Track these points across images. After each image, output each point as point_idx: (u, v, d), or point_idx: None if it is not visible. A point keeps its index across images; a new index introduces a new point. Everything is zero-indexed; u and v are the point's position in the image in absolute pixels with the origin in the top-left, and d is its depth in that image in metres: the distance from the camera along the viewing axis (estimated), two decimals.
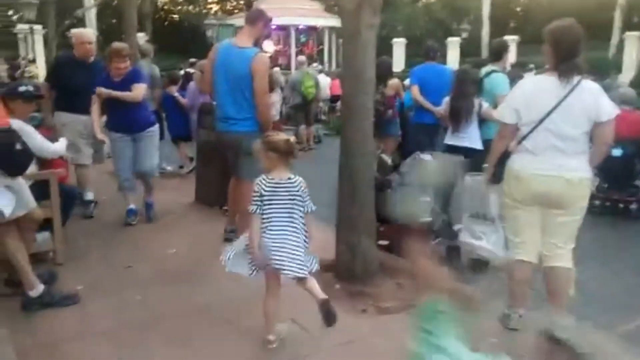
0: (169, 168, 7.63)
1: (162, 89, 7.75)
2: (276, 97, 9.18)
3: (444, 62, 23.59)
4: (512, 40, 25.34)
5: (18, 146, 2.99)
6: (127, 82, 4.83)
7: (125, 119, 4.88)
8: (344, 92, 3.88)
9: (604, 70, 20.91)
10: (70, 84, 5.10)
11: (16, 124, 3.35)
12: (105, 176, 5.93)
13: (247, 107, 4.18)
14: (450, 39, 27.16)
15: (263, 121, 4.21)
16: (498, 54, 5.56)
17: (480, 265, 4.43)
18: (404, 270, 4.18)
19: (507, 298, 3.37)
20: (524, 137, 3.01)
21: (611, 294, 4.13)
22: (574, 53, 2.92)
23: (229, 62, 4.20)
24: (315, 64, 17.68)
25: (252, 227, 2.80)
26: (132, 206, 5.21)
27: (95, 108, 4.85)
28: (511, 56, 24.88)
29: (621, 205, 6.14)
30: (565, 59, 2.90)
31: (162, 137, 6.29)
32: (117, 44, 4.99)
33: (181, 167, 7.88)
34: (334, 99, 13.91)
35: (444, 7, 33.77)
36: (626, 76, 21.47)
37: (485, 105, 4.87)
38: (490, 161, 3.28)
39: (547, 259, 3.13)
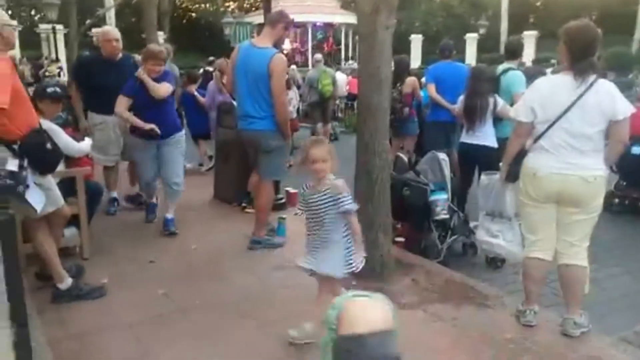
0: (188, 165, 7.74)
1: (182, 87, 7.88)
2: (292, 95, 9.27)
3: (462, 58, 23.55)
4: (531, 35, 25.16)
5: (48, 145, 3.11)
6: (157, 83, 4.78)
7: (152, 122, 4.65)
8: (360, 91, 3.94)
9: (627, 66, 20.69)
10: (100, 84, 5.01)
11: (45, 124, 3.47)
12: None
13: (265, 105, 4.27)
14: (468, 35, 27.04)
15: (280, 120, 4.30)
16: (514, 52, 5.57)
17: (496, 262, 4.49)
18: (419, 266, 4.26)
19: (522, 295, 3.42)
20: (540, 136, 3.05)
21: (627, 293, 4.15)
22: (589, 52, 2.95)
23: (248, 62, 4.30)
24: (351, 61, 17.61)
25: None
26: (153, 200, 5.26)
27: (123, 109, 4.69)
28: (530, 51, 24.81)
29: None
30: (581, 58, 2.93)
31: None
32: (155, 47, 4.98)
33: (200, 164, 8.02)
34: (351, 96, 13.94)
35: (462, 2, 33.58)
36: None
37: (501, 103, 4.89)
38: (506, 160, 3.32)
39: (562, 256, 3.16)
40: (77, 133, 4.84)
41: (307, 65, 21.22)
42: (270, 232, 4.77)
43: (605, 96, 2.91)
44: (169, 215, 4.93)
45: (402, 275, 4.04)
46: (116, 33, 5.36)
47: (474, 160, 4.97)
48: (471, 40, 26.79)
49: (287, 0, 25.33)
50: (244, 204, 5.64)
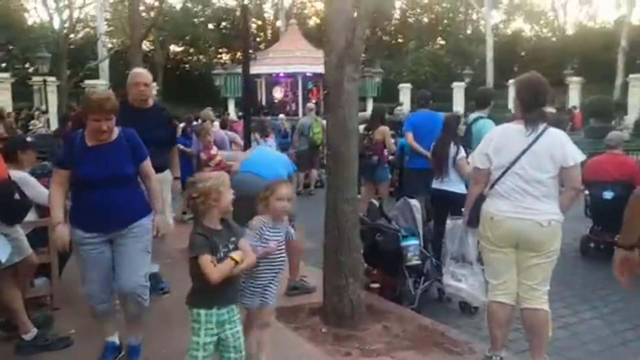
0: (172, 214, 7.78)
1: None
2: (271, 142, 9.58)
3: (450, 105, 24.10)
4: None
5: (16, 196, 3.17)
6: (115, 154, 3.13)
7: (102, 208, 3.06)
8: (329, 141, 4.06)
9: (608, 113, 21.19)
10: None
11: (17, 174, 3.55)
12: None
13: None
14: (455, 84, 27.74)
15: None
16: (484, 101, 5.75)
17: (470, 308, 4.49)
18: (392, 313, 4.26)
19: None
20: (495, 182, 3.16)
21: (598, 337, 4.15)
22: (538, 102, 3.11)
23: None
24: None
25: None
26: (110, 338, 3.37)
27: (55, 193, 3.14)
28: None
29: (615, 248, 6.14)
30: (530, 109, 3.09)
31: None
32: (97, 93, 3.19)
33: (184, 212, 8.03)
34: None
35: (448, 52, 34.59)
36: (631, 118, 21.68)
37: (461, 155, 4.99)
38: (466, 205, 3.42)
39: (523, 300, 3.20)
40: None
41: (297, 114, 21.59)
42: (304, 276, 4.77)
43: (556, 143, 3.05)
44: (134, 341, 3.35)
45: (374, 322, 4.04)
46: (146, 76, 4.42)
47: (445, 206, 5.06)
48: (458, 89, 27.47)
49: (277, 51, 26.09)
50: None
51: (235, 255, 2.60)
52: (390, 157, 8.17)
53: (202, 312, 2.61)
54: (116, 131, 3.17)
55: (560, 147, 3.03)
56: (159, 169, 4.07)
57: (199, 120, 10.02)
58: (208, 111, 10.09)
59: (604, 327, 4.33)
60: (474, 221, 3.33)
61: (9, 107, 16.01)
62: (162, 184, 3.81)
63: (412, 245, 4.49)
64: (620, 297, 4.87)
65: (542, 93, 3.12)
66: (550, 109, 5.34)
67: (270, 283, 3.07)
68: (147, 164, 3.28)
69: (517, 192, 3.07)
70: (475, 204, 3.29)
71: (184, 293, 4.52)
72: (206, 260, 2.52)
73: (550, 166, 3.03)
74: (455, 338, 3.81)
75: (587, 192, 6.26)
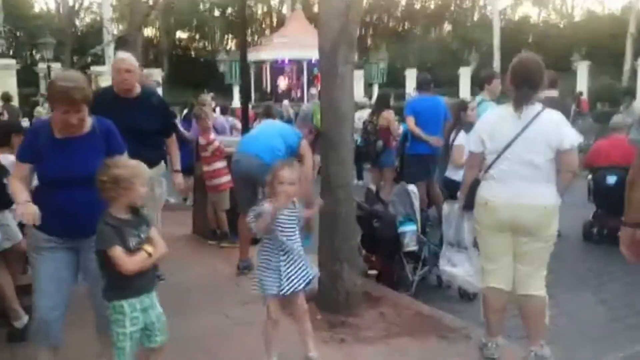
0: (172, 200, 7.76)
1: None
2: None
3: (457, 91, 23.88)
4: None
5: (5, 181, 3.14)
6: (86, 150, 2.69)
7: (68, 210, 2.65)
8: (323, 125, 3.98)
9: (616, 98, 20.93)
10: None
11: (7, 159, 3.51)
12: None
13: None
14: (462, 69, 27.48)
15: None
16: (481, 84, 5.71)
17: (469, 294, 4.44)
18: (388, 299, 4.21)
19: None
20: (490, 166, 3.08)
21: (599, 323, 4.09)
22: (528, 83, 2.98)
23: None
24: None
25: None
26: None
27: (16, 183, 2.67)
28: None
29: (619, 233, 6.05)
30: (519, 89, 2.99)
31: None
32: (64, 79, 2.63)
33: (185, 199, 8.02)
34: None
35: (455, 38, 34.24)
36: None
37: (459, 142, 4.90)
38: (462, 189, 3.35)
39: (519, 286, 3.13)
40: None
41: (302, 101, 21.48)
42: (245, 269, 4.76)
43: (551, 126, 2.95)
44: None
45: (370, 309, 4.00)
46: (129, 62, 4.04)
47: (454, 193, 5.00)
48: (465, 74, 27.20)
49: (282, 37, 25.92)
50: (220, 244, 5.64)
51: (148, 247, 2.48)
52: (394, 143, 8.08)
53: (125, 302, 2.50)
54: (89, 122, 2.72)
55: (556, 129, 2.94)
56: (149, 164, 3.89)
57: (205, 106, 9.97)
58: (205, 95, 9.99)
59: (605, 313, 4.26)
60: (470, 206, 3.26)
61: (14, 93, 16.04)
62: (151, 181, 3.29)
63: (409, 231, 4.43)
64: (623, 283, 4.81)
65: (532, 73, 3.00)
66: (553, 93, 5.22)
67: (285, 265, 2.95)
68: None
69: (512, 176, 2.99)
70: (471, 189, 3.22)
71: (179, 279, 4.59)
72: (117, 251, 2.39)
73: (545, 149, 2.94)
74: (452, 324, 3.76)
75: (590, 177, 6.17)
